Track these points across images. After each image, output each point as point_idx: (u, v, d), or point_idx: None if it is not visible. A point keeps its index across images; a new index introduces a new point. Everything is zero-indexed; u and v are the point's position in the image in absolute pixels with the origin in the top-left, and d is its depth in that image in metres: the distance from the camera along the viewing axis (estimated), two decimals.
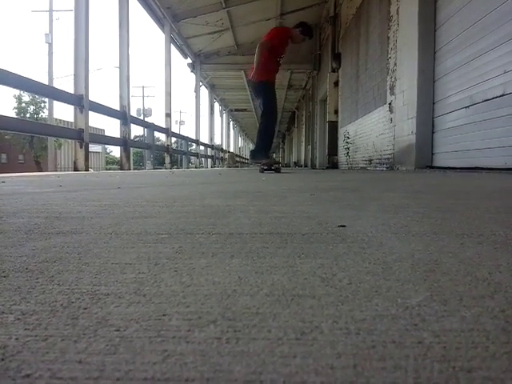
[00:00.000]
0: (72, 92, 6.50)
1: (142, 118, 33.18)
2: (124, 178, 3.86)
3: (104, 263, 0.63)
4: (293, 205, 1.38)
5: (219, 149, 21.83)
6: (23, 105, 31.31)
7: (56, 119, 25.97)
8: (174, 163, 15.18)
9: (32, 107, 31.69)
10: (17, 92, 30.03)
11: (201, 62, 14.89)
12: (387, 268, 0.59)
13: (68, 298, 0.47)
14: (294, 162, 24.95)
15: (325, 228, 0.92)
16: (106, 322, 0.41)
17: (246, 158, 29.58)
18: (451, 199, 1.58)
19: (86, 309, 0.44)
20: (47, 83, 16.16)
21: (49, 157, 22.71)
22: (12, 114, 29.55)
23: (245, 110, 24.85)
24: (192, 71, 15.06)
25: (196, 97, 15.61)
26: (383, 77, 6.83)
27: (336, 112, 10.90)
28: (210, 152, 18.48)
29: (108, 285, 0.52)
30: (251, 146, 38.97)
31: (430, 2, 5.11)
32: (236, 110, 25.56)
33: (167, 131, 11.83)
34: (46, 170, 22.22)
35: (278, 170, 5.70)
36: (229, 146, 26.38)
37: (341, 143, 10.46)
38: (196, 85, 15.42)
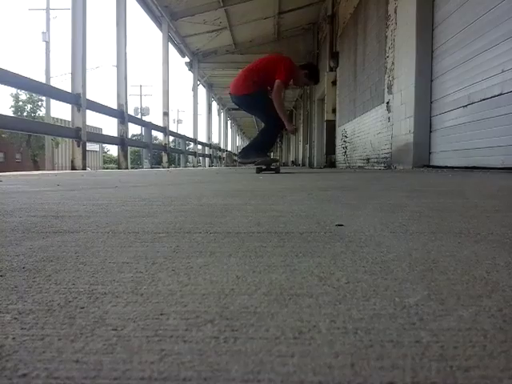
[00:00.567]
0: (69, 91, 6.48)
1: (139, 116, 33.11)
2: (121, 177, 3.86)
3: (101, 262, 0.62)
4: (290, 204, 1.38)
5: (217, 148, 21.83)
6: (20, 103, 31.23)
7: (53, 118, 25.93)
8: (172, 162, 15.15)
9: (29, 106, 31.62)
10: (14, 90, 29.96)
11: (199, 60, 14.88)
12: (385, 267, 0.59)
13: (65, 298, 0.47)
14: (292, 161, 24.96)
15: (322, 227, 0.92)
16: (103, 321, 0.41)
17: None
18: (449, 198, 1.58)
19: (83, 308, 0.44)
20: (44, 82, 16.12)
21: (46, 156, 22.67)
22: (9, 112, 29.46)
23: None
24: (190, 70, 15.05)
25: (194, 96, 15.60)
26: (381, 76, 6.83)
27: (334, 111, 10.91)
28: (207, 151, 18.48)
29: (105, 284, 0.52)
30: None
31: (427, 1, 5.12)
32: (234, 109, 25.53)
33: (165, 130, 11.82)
34: (44, 169, 22.17)
35: (277, 171, 5.02)
36: (226, 145, 26.38)
37: (338, 142, 10.47)
38: (194, 84, 15.41)
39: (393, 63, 6.14)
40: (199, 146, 16.97)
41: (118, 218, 1.06)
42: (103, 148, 49.72)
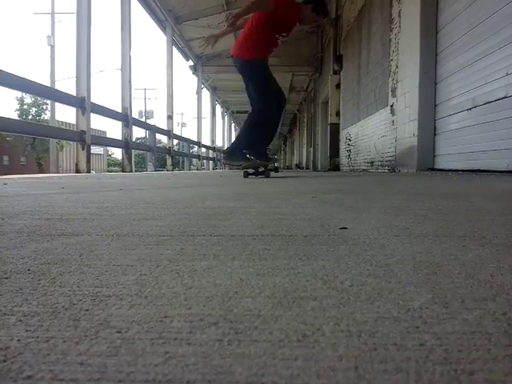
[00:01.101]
0: (74, 94, 6.52)
1: (143, 119, 33.22)
2: (125, 180, 3.87)
3: (105, 265, 0.63)
4: (294, 207, 1.38)
5: (221, 151, 21.85)
6: (25, 107, 31.41)
7: (58, 121, 26.05)
8: (176, 165, 15.21)
9: (34, 109, 31.79)
10: (19, 94, 30.16)
11: (202, 64, 14.92)
12: (389, 270, 0.59)
13: (70, 300, 0.47)
14: (296, 165, 24.95)
15: (326, 230, 0.92)
16: (107, 323, 0.41)
17: None
18: (453, 201, 1.57)
19: (87, 310, 0.44)
20: (49, 85, 16.21)
21: (51, 159, 22.77)
22: (14, 115, 29.63)
23: (247, 112, 24.86)
24: (194, 73, 15.09)
25: (198, 99, 15.65)
26: (385, 79, 6.83)
27: (338, 114, 10.90)
28: (211, 154, 18.50)
29: (109, 286, 0.52)
30: None
31: (431, 4, 5.11)
32: (238, 112, 25.55)
33: (169, 133, 11.86)
34: (48, 172, 22.27)
35: (266, 174, 4.33)
36: None
37: (342, 145, 10.46)
38: (198, 87, 15.46)
39: (397, 66, 6.13)
40: (203, 149, 17.00)
41: (122, 221, 1.06)
42: (107, 151, 49.88)
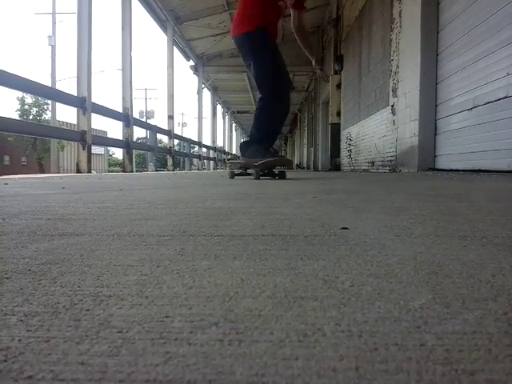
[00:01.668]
0: (75, 94, 6.53)
1: (144, 120, 33.23)
2: (126, 180, 3.87)
3: (106, 265, 0.63)
4: (295, 207, 1.38)
5: (221, 151, 21.86)
6: (26, 107, 31.44)
7: (59, 121, 26.07)
8: (177, 165, 15.20)
9: (35, 109, 31.82)
10: (20, 94, 30.18)
11: (203, 64, 14.94)
12: (389, 270, 0.59)
13: (70, 300, 0.48)
14: (297, 165, 24.96)
15: (327, 230, 0.92)
16: (108, 323, 0.41)
17: None
18: (454, 201, 1.57)
19: (88, 310, 0.44)
20: (50, 85, 16.22)
21: (51, 159, 22.81)
22: (15, 115, 29.66)
23: (247, 112, 24.89)
24: (194, 73, 15.11)
25: (198, 99, 15.66)
26: (386, 79, 6.82)
27: (338, 114, 10.89)
28: (212, 154, 18.51)
29: (110, 286, 0.52)
30: None
31: (432, 4, 5.11)
32: (238, 112, 25.60)
33: (170, 133, 11.87)
34: (49, 172, 22.28)
35: (282, 176, 4.03)
36: (231, 148, 26.42)
37: (343, 145, 10.45)
38: (198, 87, 15.47)
39: (397, 66, 6.13)
40: (204, 149, 17.01)
41: (122, 221, 1.06)
42: (108, 151, 49.92)
